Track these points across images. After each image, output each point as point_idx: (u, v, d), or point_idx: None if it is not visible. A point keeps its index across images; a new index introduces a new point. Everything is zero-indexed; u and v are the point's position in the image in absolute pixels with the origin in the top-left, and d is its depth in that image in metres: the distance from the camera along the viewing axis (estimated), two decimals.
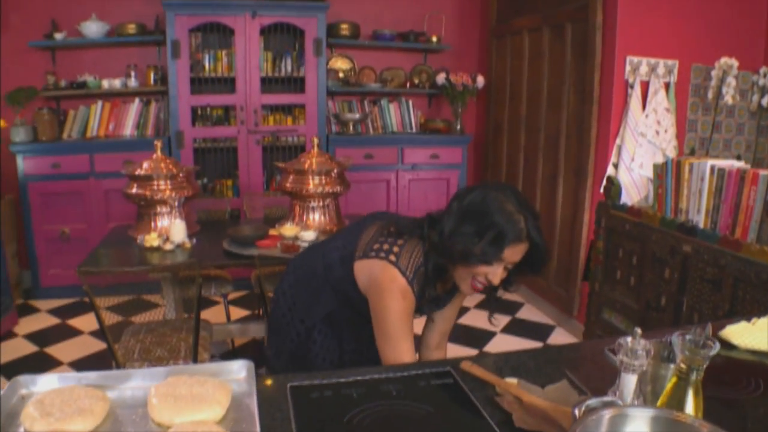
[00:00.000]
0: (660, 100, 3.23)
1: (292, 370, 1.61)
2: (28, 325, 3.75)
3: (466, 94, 4.58)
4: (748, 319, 1.51)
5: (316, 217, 3.02)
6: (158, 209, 2.90)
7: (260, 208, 3.69)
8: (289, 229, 2.80)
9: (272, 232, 2.83)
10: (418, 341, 1.79)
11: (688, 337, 0.92)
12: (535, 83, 4.08)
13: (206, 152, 4.47)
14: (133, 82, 4.29)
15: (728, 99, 3.16)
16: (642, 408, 0.90)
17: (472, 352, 3.45)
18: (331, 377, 1.23)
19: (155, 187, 2.86)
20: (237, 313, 4.01)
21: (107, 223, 3.98)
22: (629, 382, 0.96)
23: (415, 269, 1.47)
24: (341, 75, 4.74)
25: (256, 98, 4.29)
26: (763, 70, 3.24)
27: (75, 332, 3.66)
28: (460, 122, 4.69)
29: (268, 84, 4.45)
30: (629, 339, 0.95)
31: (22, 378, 1.10)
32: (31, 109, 4.11)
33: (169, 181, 2.89)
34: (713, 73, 3.19)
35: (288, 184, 3.00)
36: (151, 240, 2.69)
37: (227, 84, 4.39)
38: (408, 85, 4.86)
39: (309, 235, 2.75)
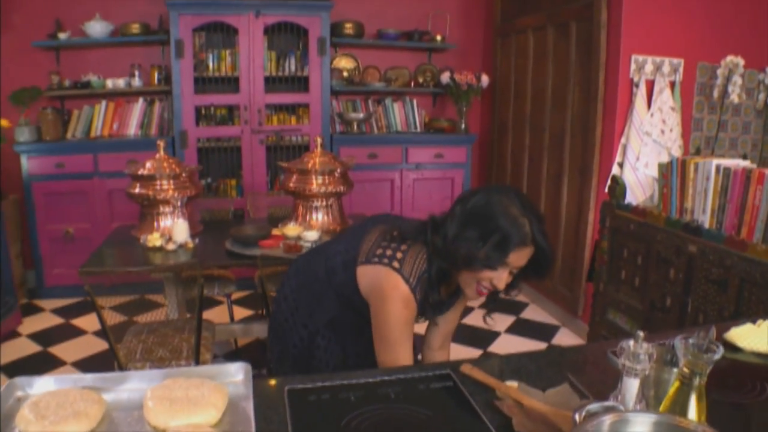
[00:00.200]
0: (665, 98, 3.21)
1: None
2: (32, 324, 3.76)
3: (471, 93, 4.56)
4: (753, 321, 1.49)
5: (319, 217, 3.01)
6: (161, 209, 2.90)
7: (264, 207, 3.68)
8: (292, 229, 2.80)
9: (275, 232, 2.83)
10: (421, 342, 1.77)
11: (691, 341, 0.90)
12: (540, 82, 4.06)
13: (210, 152, 4.47)
14: (136, 82, 4.30)
15: (734, 97, 3.14)
16: (643, 413, 0.88)
17: (476, 352, 3.44)
18: (329, 380, 1.22)
19: (158, 187, 2.86)
20: (240, 312, 4.01)
21: (111, 223, 3.99)
22: (631, 386, 0.94)
23: (419, 276, 1.46)
24: (345, 74, 4.73)
25: (259, 98, 4.29)
26: None
27: (79, 332, 3.66)
28: (464, 121, 4.67)
29: (271, 83, 4.44)
30: (631, 342, 0.93)
31: (18, 380, 1.10)
32: (35, 108, 4.12)
33: (171, 181, 2.89)
34: (719, 71, 3.17)
35: (291, 184, 2.99)
36: (154, 240, 2.69)
37: (231, 83, 4.38)
38: (412, 84, 4.85)
39: (312, 235, 2.74)
